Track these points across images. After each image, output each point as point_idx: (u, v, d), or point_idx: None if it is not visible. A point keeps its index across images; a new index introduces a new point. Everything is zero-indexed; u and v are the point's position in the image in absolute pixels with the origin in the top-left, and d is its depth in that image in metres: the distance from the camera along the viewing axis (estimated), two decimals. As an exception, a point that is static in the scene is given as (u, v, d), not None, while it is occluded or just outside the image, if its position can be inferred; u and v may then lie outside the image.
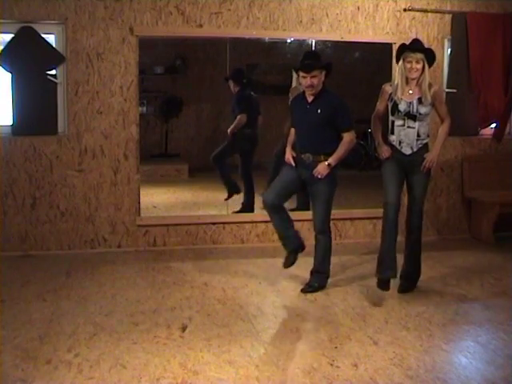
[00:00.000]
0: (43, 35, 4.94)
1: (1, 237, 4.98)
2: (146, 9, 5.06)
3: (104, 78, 5.06)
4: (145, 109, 5.67)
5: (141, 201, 5.26)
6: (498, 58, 5.67)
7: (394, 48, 5.17)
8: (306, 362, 3.12)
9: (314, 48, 5.45)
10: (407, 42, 4.15)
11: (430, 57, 4.04)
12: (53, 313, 3.74)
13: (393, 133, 4.14)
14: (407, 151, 4.10)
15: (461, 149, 5.86)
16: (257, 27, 5.28)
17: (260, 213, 5.46)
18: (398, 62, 4.10)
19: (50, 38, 5.01)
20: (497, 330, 3.56)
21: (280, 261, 4.33)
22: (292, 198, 4.47)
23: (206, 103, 6.02)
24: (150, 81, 5.78)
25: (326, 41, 5.52)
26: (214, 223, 5.41)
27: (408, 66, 3.99)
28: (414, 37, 5.52)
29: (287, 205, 4.28)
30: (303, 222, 5.47)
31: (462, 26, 5.59)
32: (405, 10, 5.54)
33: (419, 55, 3.98)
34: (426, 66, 4.01)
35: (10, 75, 4.92)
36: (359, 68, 5.95)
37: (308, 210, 5.60)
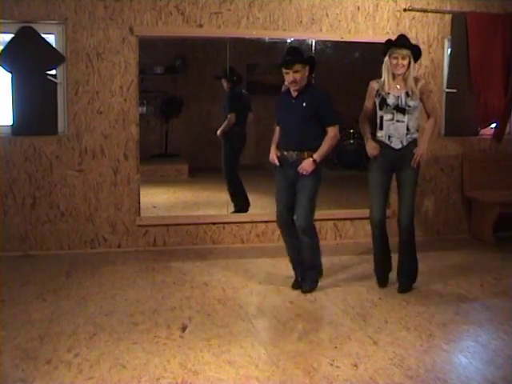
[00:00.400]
0: (43, 35, 4.94)
1: (1, 237, 4.98)
2: (146, 9, 5.06)
3: (104, 78, 5.06)
4: (145, 109, 5.67)
5: (141, 201, 5.26)
6: (498, 58, 5.67)
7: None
8: (306, 362, 3.12)
9: (314, 48, 5.45)
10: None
11: (415, 53, 4.03)
12: (53, 313, 3.75)
13: (382, 128, 4.11)
14: (397, 145, 4.07)
15: (461, 149, 5.86)
16: (257, 27, 5.28)
17: (260, 213, 5.48)
18: (384, 57, 4.07)
19: (50, 38, 5.01)
20: (497, 330, 3.56)
21: (280, 261, 4.35)
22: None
23: (205, 103, 6.01)
24: (150, 81, 5.77)
25: (326, 41, 5.52)
26: (214, 223, 5.41)
27: (394, 61, 3.98)
28: (414, 37, 5.56)
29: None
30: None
31: (461, 26, 5.59)
32: (405, 10, 5.53)
33: (405, 51, 3.97)
34: (412, 62, 4.00)
35: (10, 75, 4.92)
36: (359, 68, 5.95)
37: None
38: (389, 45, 4.03)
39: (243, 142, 5.72)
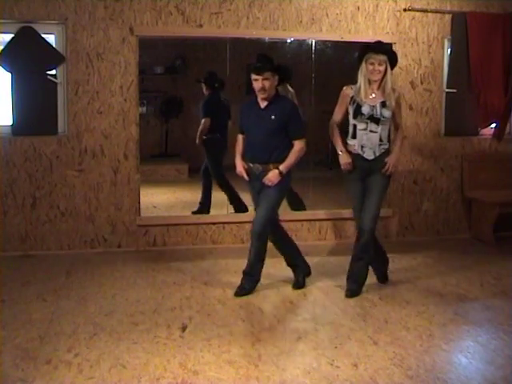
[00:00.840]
0: (43, 35, 4.94)
1: (1, 237, 4.98)
2: (146, 9, 5.06)
3: (104, 78, 5.06)
4: (145, 109, 5.67)
5: (141, 201, 5.26)
6: (498, 58, 5.67)
7: (395, 48, 5.19)
8: (306, 362, 3.12)
9: (314, 48, 5.45)
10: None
11: (392, 59, 3.95)
12: (53, 313, 3.75)
13: (355, 137, 4.02)
14: (370, 156, 4.01)
15: (461, 149, 5.86)
16: (257, 27, 5.28)
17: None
18: (360, 63, 3.97)
19: (50, 38, 5.01)
20: (497, 330, 3.56)
21: (280, 261, 4.34)
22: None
23: (205, 103, 6.00)
24: (150, 81, 5.77)
25: (326, 41, 5.52)
26: (213, 223, 5.41)
27: (370, 67, 3.90)
28: (414, 37, 5.57)
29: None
30: (302, 222, 5.49)
31: (462, 26, 5.59)
32: (405, 10, 5.53)
33: (382, 57, 3.89)
34: (389, 69, 3.93)
35: (10, 75, 4.92)
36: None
37: (300, 209, 5.60)
38: (365, 50, 3.94)
39: (223, 149, 5.61)
